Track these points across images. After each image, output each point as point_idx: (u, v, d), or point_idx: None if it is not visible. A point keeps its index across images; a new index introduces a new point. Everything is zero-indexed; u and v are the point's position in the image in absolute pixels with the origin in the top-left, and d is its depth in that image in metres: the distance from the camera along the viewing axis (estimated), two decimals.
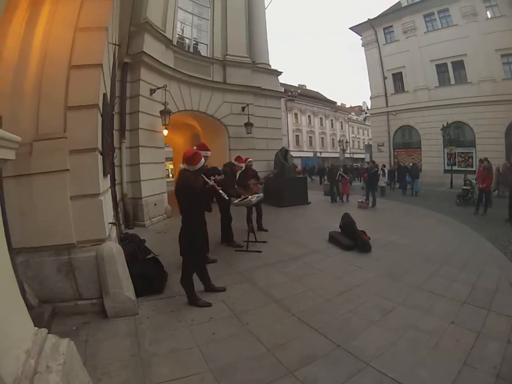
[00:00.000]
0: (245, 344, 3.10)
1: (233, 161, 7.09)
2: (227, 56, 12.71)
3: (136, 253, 4.77)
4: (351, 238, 6.54)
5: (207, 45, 12.66)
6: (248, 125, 12.54)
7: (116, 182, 7.18)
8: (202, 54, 12.50)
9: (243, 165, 7.10)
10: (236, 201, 6.34)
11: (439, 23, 23.92)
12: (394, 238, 7.28)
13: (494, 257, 5.95)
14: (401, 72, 25.89)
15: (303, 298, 4.16)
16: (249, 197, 6.48)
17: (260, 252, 6.11)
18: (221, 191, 4.11)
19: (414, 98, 24.75)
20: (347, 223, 6.92)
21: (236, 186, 7.30)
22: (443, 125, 20.89)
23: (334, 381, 2.60)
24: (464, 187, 13.53)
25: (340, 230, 7.05)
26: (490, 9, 21.83)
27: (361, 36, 28.52)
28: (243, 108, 12.75)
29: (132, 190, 8.88)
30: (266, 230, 7.77)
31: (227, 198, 4.21)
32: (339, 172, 14.64)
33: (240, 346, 3.07)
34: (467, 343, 3.11)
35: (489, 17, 21.81)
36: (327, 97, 57.45)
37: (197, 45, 12.51)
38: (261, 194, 7.02)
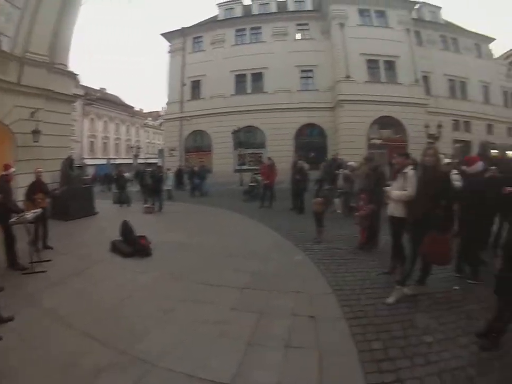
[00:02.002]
0: (36, 370, 3.05)
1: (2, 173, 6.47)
2: (27, 54, 11.24)
3: None
4: (130, 245, 6.78)
5: (10, 37, 10.96)
6: (36, 132, 11.28)
7: None
8: (3, 48, 10.69)
9: (12, 170, 6.55)
10: (12, 219, 5.87)
11: (248, 38, 27.34)
12: (179, 239, 7.70)
13: (277, 244, 6.89)
14: (200, 80, 27.65)
15: (87, 312, 4.17)
16: (26, 213, 6.04)
17: (45, 271, 5.84)
18: None
19: (209, 104, 26.81)
20: (125, 231, 7.22)
21: (25, 200, 6.92)
22: (234, 129, 23.33)
23: None
24: (250, 184, 15.07)
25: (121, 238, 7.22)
26: (301, 32, 26.72)
27: (170, 43, 29.30)
28: (32, 113, 11.43)
29: None
30: (52, 248, 7.40)
31: None
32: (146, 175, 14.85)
33: (32, 372, 3.02)
34: (251, 325, 3.49)
35: (298, 38, 26.57)
36: (126, 102, 56.77)
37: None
38: (38, 210, 6.55)
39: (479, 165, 5.14)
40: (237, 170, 23.99)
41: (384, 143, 23.34)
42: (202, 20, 30.55)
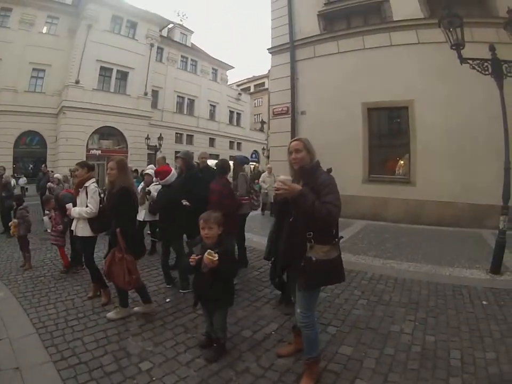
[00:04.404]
0: None
1: None
2: None
3: None
4: None
5: None
6: None
7: None
8: None
9: None
10: None
11: None
12: None
13: None
14: None
15: None
16: None
17: None
18: None
19: None
20: None
21: None
22: None
23: None
24: None
25: None
26: (49, 25, 23.45)
27: None
28: None
29: None
30: None
31: None
32: None
33: None
34: None
35: (43, 32, 23.16)
36: None
37: None
38: None
39: (173, 175, 4.96)
40: None
41: (104, 154, 23.03)
42: None
